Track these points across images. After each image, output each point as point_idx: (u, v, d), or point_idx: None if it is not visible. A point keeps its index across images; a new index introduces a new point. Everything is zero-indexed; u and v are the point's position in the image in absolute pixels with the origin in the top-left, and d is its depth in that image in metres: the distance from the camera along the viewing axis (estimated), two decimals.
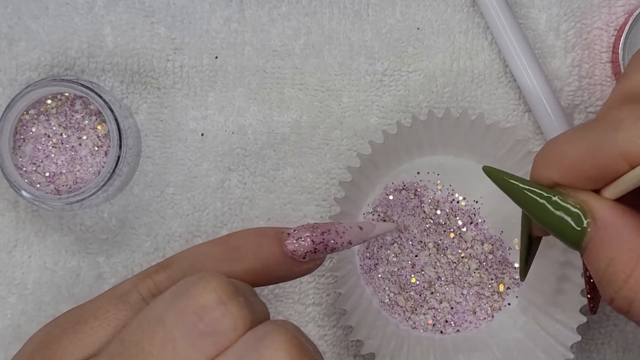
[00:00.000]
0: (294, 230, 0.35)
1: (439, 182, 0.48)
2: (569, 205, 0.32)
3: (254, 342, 0.29)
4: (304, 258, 0.34)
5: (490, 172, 0.34)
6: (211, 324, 0.29)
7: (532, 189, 0.33)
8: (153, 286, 0.33)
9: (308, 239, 0.34)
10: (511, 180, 0.33)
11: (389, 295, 0.48)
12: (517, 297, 0.47)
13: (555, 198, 0.32)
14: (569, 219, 0.32)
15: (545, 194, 0.32)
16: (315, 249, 0.35)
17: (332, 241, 0.35)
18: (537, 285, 0.46)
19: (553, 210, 0.32)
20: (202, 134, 0.48)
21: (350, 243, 0.36)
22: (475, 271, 0.48)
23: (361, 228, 0.36)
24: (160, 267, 0.33)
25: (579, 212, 0.32)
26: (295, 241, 0.34)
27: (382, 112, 0.48)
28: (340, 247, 0.36)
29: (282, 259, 0.34)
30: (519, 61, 0.47)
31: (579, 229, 0.32)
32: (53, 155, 0.46)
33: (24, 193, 0.44)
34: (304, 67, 0.48)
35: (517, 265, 0.48)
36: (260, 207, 0.48)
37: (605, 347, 0.48)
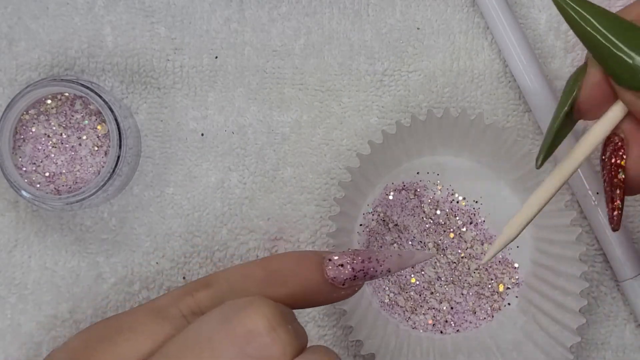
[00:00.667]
0: (335, 257, 0.35)
1: (438, 182, 0.48)
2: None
3: None
4: (343, 284, 0.35)
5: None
6: (260, 349, 0.29)
7: (604, 13, 0.30)
8: (194, 304, 0.33)
9: (349, 266, 0.34)
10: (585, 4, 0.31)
11: (388, 295, 0.48)
12: (517, 297, 0.47)
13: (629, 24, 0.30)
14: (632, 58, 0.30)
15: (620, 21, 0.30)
16: (355, 276, 0.35)
17: (372, 269, 0.35)
18: (537, 286, 0.46)
19: (623, 44, 0.30)
20: (202, 134, 0.48)
21: (389, 271, 0.36)
22: (475, 271, 0.48)
23: (400, 256, 0.36)
24: (201, 285, 0.34)
25: None
26: (335, 268, 0.34)
27: (382, 112, 0.48)
28: (379, 275, 0.35)
29: (322, 285, 0.34)
30: (519, 61, 0.47)
31: None
32: (53, 155, 0.46)
33: (24, 193, 0.44)
34: (304, 67, 0.48)
35: (517, 264, 0.48)
36: (260, 207, 0.48)
37: (605, 348, 0.48)
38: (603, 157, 0.34)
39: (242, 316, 0.30)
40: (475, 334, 0.47)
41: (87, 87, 0.44)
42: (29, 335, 0.48)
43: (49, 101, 0.46)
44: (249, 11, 0.48)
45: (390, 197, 0.48)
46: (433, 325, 0.48)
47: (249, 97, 0.48)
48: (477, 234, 0.48)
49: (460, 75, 0.48)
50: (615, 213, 0.34)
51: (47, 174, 0.45)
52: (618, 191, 0.34)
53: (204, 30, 0.48)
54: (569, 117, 0.34)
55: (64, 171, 0.46)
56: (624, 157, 0.33)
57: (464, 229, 0.48)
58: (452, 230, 0.48)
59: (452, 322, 0.48)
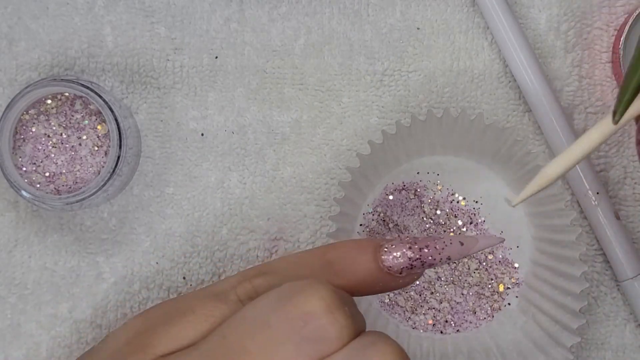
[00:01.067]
0: (392, 245, 0.34)
1: (438, 182, 0.48)
2: None
3: (359, 350, 0.29)
4: (400, 273, 0.34)
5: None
6: (317, 331, 0.29)
7: None
8: (251, 289, 0.33)
9: (405, 256, 0.34)
10: None
11: (389, 295, 0.48)
12: (517, 297, 0.47)
13: None
14: None
15: None
16: (412, 265, 0.34)
17: (430, 257, 0.34)
18: (537, 286, 0.46)
19: None
20: (202, 134, 0.48)
21: (450, 259, 0.34)
22: (475, 271, 0.48)
23: (462, 243, 0.34)
24: (259, 272, 0.34)
25: None
26: (391, 257, 0.34)
27: (382, 112, 0.48)
28: (438, 263, 0.34)
29: (379, 275, 0.34)
30: (519, 61, 0.47)
31: None
32: (53, 155, 0.46)
33: (24, 193, 0.44)
34: (304, 67, 0.48)
35: (517, 264, 0.48)
36: (260, 207, 0.48)
37: (605, 348, 0.48)
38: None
39: (299, 298, 0.30)
40: (475, 334, 0.47)
41: (87, 87, 0.44)
42: (29, 335, 0.48)
43: (49, 101, 0.46)
44: (249, 11, 0.48)
45: (390, 197, 0.48)
46: (433, 325, 0.48)
47: (249, 97, 0.48)
48: (477, 234, 0.48)
49: (460, 75, 0.48)
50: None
51: (47, 174, 0.45)
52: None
53: (204, 30, 0.48)
54: None
55: (64, 171, 0.46)
56: None
57: (464, 229, 0.48)
58: (452, 230, 0.48)
59: (452, 322, 0.48)
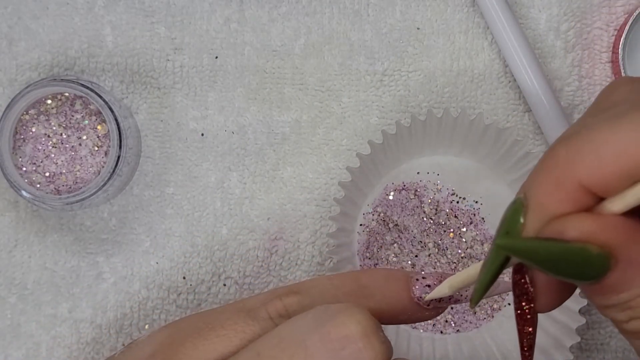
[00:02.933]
0: (423, 277, 0.35)
1: (438, 182, 0.48)
2: (594, 250, 0.28)
3: None
4: (428, 305, 0.34)
5: (508, 246, 0.29)
6: (354, 354, 0.30)
7: (560, 244, 0.28)
8: (282, 308, 0.33)
9: (435, 288, 0.34)
10: (534, 243, 0.29)
11: None
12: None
13: (583, 246, 0.28)
14: (595, 261, 0.28)
15: (574, 241, 0.28)
16: (441, 298, 0.34)
17: (458, 292, 0.35)
18: None
19: (581, 256, 0.28)
20: (202, 134, 0.48)
21: (471, 300, 0.34)
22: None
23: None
24: (290, 291, 0.34)
25: (604, 253, 0.28)
26: (422, 288, 0.34)
27: (382, 112, 0.48)
28: (465, 300, 0.35)
29: (408, 304, 0.34)
30: (519, 61, 0.47)
31: (604, 267, 0.28)
32: (53, 155, 0.46)
33: (24, 193, 0.44)
34: (304, 67, 0.48)
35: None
36: (260, 207, 0.48)
37: (605, 348, 0.48)
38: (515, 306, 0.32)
39: (336, 321, 0.30)
40: (475, 334, 0.47)
41: (87, 87, 0.44)
42: (29, 335, 0.48)
43: (49, 101, 0.46)
44: (249, 11, 0.48)
45: (390, 197, 0.48)
46: (433, 325, 0.48)
47: (249, 97, 0.48)
48: (477, 234, 0.48)
49: (460, 75, 0.48)
50: None
51: (47, 174, 0.45)
52: (527, 342, 0.32)
53: (204, 30, 0.48)
54: (501, 266, 0.31)
55: (64, 171, 0.46)
56: (533, 302, 0.31)
57: (464, 229, 0.48)
58: (452, 230, 0.48)
59: (452, 322, 0.48)
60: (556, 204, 0.30)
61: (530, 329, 0.32)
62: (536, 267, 0.29)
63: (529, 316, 0.32)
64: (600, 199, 0.29)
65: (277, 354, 0.30)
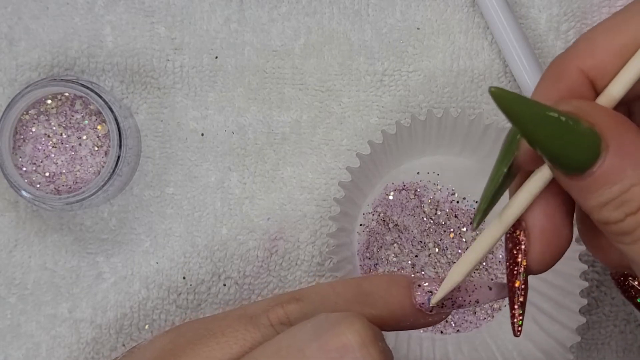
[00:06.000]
0: (425, 283, 0.35)
1: (439, 182, 0.48)
2: (584, 125, 0.28)
3: None
4: (430, 311, 0.35)
5: (499, 93, 0.28)
6: None
7: (550, 108, 0.28)
8: (283, 315, 0.34)
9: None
10: (526, 100, 0.29)
11: None
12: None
13: (574, 118, 0.28)
14: (585, 140, 0.28)
15: (565, 113, 0.28)
16: (443, 304, 0.35)
17: (460, 298, 0.35)
18: (537, 285, 0.46)
19: (571, 131, 0.28)
20: (202, 134, 0.48)
21: (478, 302, 0.35)
22: (476, 272, 0.48)
23: (490, 288, 0.35)
24: (292, 298, 0.34)
25: (595, 132, 0.28)
26: (424, 294, 0.34)
27: (382, 112, 0.48)
28: (467, 305, 0.35)
29: (410, 310, 0.34)
30: (519, 61, 0.47)
31: (594, 152, 0.28)
32: (53, 155, 0.46)
33: (24, 193, 0.44)
34: (304, 67, 0.48)
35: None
36: (260, 207, 0.48)
37: (605, 348, 0.48)
38: (506, 250, 0.33)
39: (335, 331, 0.30)
40: (475, 334, 0.47)
41: (87, 87, 0.44)
42: (29, 335, 0.48)
43: (49, 101, 0.46)
44: (249, 11, 0.48)
45: (390, 197, 0.48)
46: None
47: (249, 97, 0.48)
48: (477, 234, 0.48)
49: (460, 75, 0.48)
50: (516, 320, 0.33)
51: (47, 174, 0.45)
52: (518, 297, 0.32)
53: (204, 30, 0.48)
54: (507, 176, 0.32)
55: (64, 171, 0.46)
56: (525, 255, 0.32)
57: (464, 229, 0.48)
58: (452, 230, 0.48)
59: (452, 322, 0.48)
60: (556, 94, 0.30)
61: (519, 285, 0.32)
62: (526, 132, 0.28)
63: (521, 269, 0.32)
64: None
65: None
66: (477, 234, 0.48)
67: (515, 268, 0.32)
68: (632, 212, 0.28)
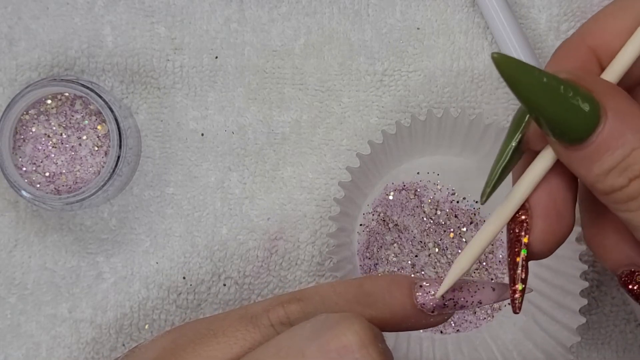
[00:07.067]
0: (426, 284, 0.34)
1: (439, 182, 0.48)
2: (584, 92, 0.29)
3: None
4: (432, 312, 0.34)
5: (500, 59, 0.28)
6: None
7: (550, 74, 0.29)
8: (284, 315, 0.34)
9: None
10: (527, 67, 0.29)
11: None
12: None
13: (573, 84, 0.29)
14: (585, 106, 0.29)
15: (564, 80, 0.29)
16: (445, 304, 0.34)
17: (463, 299, 0.35)
18: (537, 285, 0.46)
19: (570, 98, 0.29)
20: (202, 134, 0.48)
21: (481, 303, 0.35)
22: (476, 271, 0.48)
23: (493, 289, 0.35)
24: (293, 298, 0.34)
25: (593, 99, 0.29)
26: (425, 294, 0.34)
27: (382, 112, 0.48)
28: (470, 306, 0.35)
29: (411, 311, 0.34)
30: None
31: (593, 118, 0.29)
32: (53, 155, 0.46)
33: (24, 193, 0.44)
34: (304, 67, 0.48)
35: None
36: (260, 207, 0.48)
37: (605, 348, 0.48)
38: (508, 230, 0.33)
39: (335, 331, 0.30)
40: (475, 334, 0.47)
41: (87, 87, 0.44)
42: (29, 335, 0.48)
43: (49, 101, 0.46)
44: (249, 11, 0.48)
45: (390, 197, 0.48)
46: None
47: (249, 97, 0.48)
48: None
49: (460, 75, 0.48)
50: (517, 296, 0.33)
51: (47, 174, 0.45)
52: (520, 271, 0.32)
53: (204, 30, 0.48)
54: (516, 151, 0.32)
55: (64, 171, 0.46)
56: (527, 232, 0.32)
57: (464, 229, 0.48)
58: (452, 230, 0.48)
59: (452, 322, 0.48)
60: (563, 69, 0.31)
61: (521, 260, 0.32)
62: (527, 100, 0.29)
63: (522, 246, 0.32)
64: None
65: None
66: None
67: (517, 244, 0.32)
68: (635, 175, 0.29)
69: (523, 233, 0.32)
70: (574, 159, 0.30)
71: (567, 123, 0.29)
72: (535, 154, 0.32)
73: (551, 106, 0.29)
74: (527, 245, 0.32)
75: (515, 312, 0.33)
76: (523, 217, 0.32)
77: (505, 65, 0.29)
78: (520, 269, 0.32)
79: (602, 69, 0.32)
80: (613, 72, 0.31)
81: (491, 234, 0.33)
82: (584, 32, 0.32)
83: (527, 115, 0.31)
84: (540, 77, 0.29)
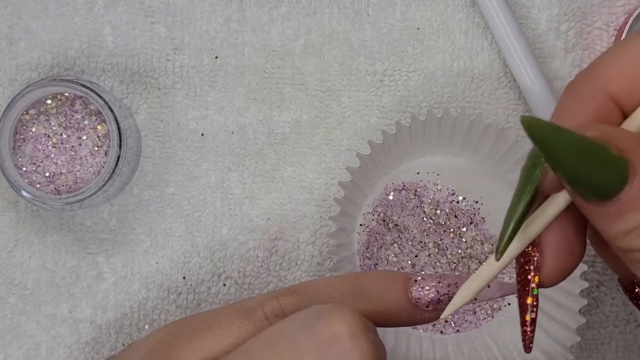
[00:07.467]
0: (421, 278, 0.35)
1: (438, 182, 0.48)
2: (613, 151, 0.28)
3: None
4: (427, 307, 0.35)
5: (529, 122, 0.27)
6: (341, 354, 0.30)
7: (580, 135, 0.28)
8: (278, 307, 0.34)
9: (433, 289, 0.34)
10: (556, 128, 0.28)
11: None
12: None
13: (604, 144, 0.28)
14: (612, 166, 0.28)
15: (595, 139, 0.28)
16: (440, 299, 0.34)
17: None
18: None
19: (599, 156, 0.27)
20: (202, 134, 0.48)
21: (476, 300, 0.35)
22: (475, 271, 0.48)
23: (488, 286, 0.35)
24: (288, 292, 0.34)
25: (623, 158, 0.28)
26: (420, 289, 0.34)
27: (382, 112, 0.48)
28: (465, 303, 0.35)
29: (406, 305, 0.34)
30: (519, 61, 0.47)
31: (622, 177, 0.28)
32: (53, 155, 0.46)
33: (24, 193, 0.44)
34: (304, 67, 0.48)
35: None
36: (260, 207, 0.48)
37: (605, 348, 0.48)
38: (517, 268, 0.32)
39: (325, 321, 0.30)
40: (475, 334, 0.47)
41: (87, 87, 0.44)
42: (29, 335, 0.48)
43: (49, 101, 0.46)
44: (249, 11, 0.48)
45: (390, 197, 0.48)
46: (433, 325, 0.48)
47: (249, 97, 0.48)
48: (477, 234, 0.48)
49: (460, 75, 0.48)
50: (527, 337, 0.32)
51: (47, 174, 0.45)
52: (530, 313, 0.32)
53: (204, 30, 0.48)
54: (530, 203, 0.31)
55: (64, 171, 0.46)
56: (537, 271, 0.31)
57: (464, 229, 0.48)
58: (452, 230, 0.48)
59: (452, 322, 0.48)
60: (583, 117, 0.30)
61: (532, 302, 0.32)
62: (555, 160, 0.28)
63: (533, 285, 0.31)
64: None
65: (266, 352, 0.31)
66: (476, 234, 0.48)
67: (527, 284, 0.32)
68: None
69: (533, 273, 0.31)
70: (594, 213, 0.29)
71: (593, 180, 0.28)
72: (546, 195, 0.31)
73: (579, 166, 0.28)
74: (537, 285, 0.32)
75: (527, 352, 0.33)
76: (533, 253, 0.31)
77: (536, 129, 0.27)
78: (530, 311, 0.32)
79: (624, 114, 0.30)
80: (638, 121, 0.29)
81: (498, 268, 0.32)
82: (603, 72, 0.30)
83: (538, 170, 0.30)
84: (571, 138, 0.27)
